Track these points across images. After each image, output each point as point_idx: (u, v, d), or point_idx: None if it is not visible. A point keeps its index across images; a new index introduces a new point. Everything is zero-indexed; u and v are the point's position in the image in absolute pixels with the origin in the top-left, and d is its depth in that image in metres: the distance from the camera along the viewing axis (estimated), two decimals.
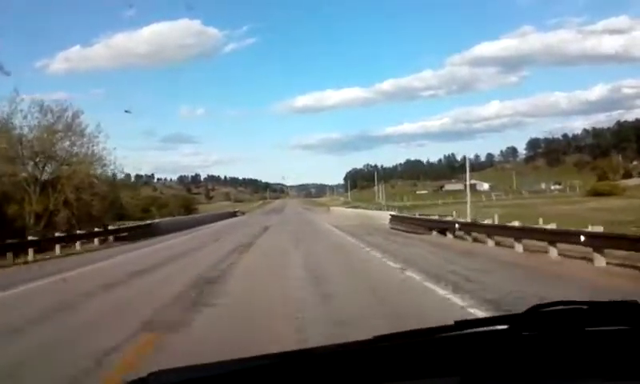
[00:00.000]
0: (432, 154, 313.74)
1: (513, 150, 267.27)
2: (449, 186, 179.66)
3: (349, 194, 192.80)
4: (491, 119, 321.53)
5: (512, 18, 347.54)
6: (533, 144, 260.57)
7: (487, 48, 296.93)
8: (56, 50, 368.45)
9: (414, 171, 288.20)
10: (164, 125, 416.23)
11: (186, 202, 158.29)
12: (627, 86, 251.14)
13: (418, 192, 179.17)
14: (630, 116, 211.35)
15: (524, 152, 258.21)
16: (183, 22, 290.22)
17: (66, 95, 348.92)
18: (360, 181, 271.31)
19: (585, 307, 1.74)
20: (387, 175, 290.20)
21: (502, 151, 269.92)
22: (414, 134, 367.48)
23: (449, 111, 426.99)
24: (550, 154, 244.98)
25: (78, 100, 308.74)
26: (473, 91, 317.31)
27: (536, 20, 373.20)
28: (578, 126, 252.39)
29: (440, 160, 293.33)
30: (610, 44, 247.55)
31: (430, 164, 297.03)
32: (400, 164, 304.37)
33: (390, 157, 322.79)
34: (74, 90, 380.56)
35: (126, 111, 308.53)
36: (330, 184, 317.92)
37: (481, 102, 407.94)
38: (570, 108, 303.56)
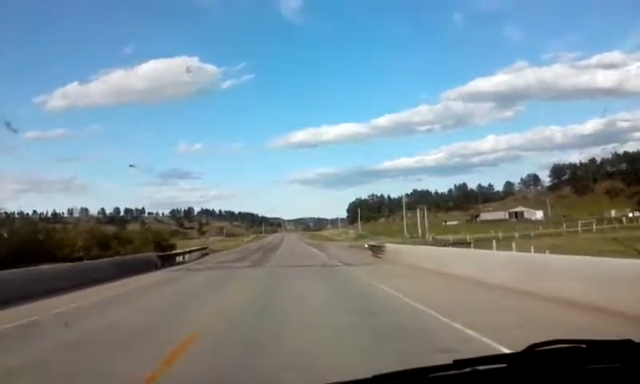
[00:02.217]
0: (430, 187, 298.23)
1: (534, 178, 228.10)
2: (486, 215, 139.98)
3: (359, 225, 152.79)
4: (487, 153, 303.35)
5: (507, 54, 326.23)
6: (556, 171, 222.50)
7: (482, 83, 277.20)
8: (54, 87, 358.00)
9: (421, 202, 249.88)
10: (162, 160, 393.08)
11: (158, 237, 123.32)
12: (621, 120, 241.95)
13: (448, 223, 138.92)
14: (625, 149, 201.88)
15: (547, 179, 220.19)
16: (181, 59, 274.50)
17: (65, 131, 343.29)
18: (364, 212, 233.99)
19: (582, 346, 1.73)
20: (394, 206, 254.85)
21: (522, 179, 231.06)
22: (411, 169, 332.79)
23: (445, 146, 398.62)
24: (579, 181, 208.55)
25: (76, 136, 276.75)
26: (469, 126, 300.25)
27: (530, 55, 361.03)
28: (573, 159, 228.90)
29: (450, 190, 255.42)
30: (603, 78, 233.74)
31: (438, 194, 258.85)
32: (406, 194, 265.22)
33: (387, 191, 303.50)
34: (73, 126, 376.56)
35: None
36: (327, 217, 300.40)
37: (477, 136, 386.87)
38: (566, 142, 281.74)
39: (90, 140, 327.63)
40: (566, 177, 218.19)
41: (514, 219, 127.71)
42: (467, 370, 1.68)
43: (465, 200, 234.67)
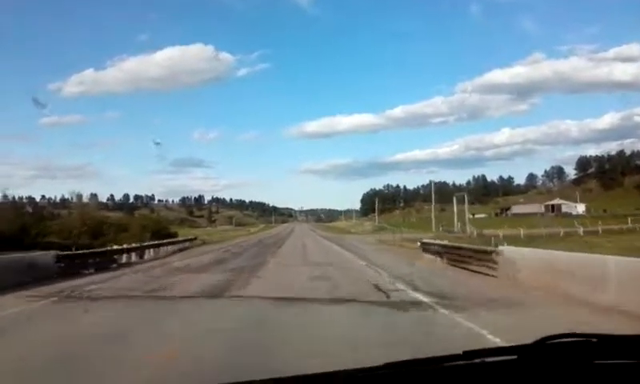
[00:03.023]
0: (444, 180, 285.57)
1: (559, 171, 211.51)
2: (517, 208, 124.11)
3: (376, 217, 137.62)
4: (501, 146, 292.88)
5: (523, 46, 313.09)
6: (582, 164, 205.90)
7: (498, 75, 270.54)
8: (70, 73, 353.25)
9: (439, 194, 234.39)
10: (176, 148, 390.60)
11: (158, 225, 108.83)
12: (639, 114, 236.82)
13: (476, 216, 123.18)
14: None
15: (573, 172, 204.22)
16: (196, 47, 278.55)
17: (80, 117, 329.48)
18: (379, 203, 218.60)
19: (593, 340, 1.70)
20: (409, 197, 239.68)
21: (546, 171, 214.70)
22: (424, 161, 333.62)
23: (459, 138, 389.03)
24: (606, 174, 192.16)
25: (91, 123, 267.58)
26: (483, 118, 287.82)
27: (547, 47, 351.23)
28: (588, 154, 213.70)
29: (469, 182, 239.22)
30: (621, 71, 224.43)
31: (456, 186, 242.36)
32: (423, 186, 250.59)
33: (401, 182, 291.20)
34: (88, 112, 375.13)
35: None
36: (338, 209, 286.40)
37: (491, 129, 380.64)
38: (581, 136, 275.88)
39: (105, 127, 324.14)
40: (592, 170, 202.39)
41: (550, 213, 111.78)
42: (477, 360, 1.65)
43: (485, 193, 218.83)
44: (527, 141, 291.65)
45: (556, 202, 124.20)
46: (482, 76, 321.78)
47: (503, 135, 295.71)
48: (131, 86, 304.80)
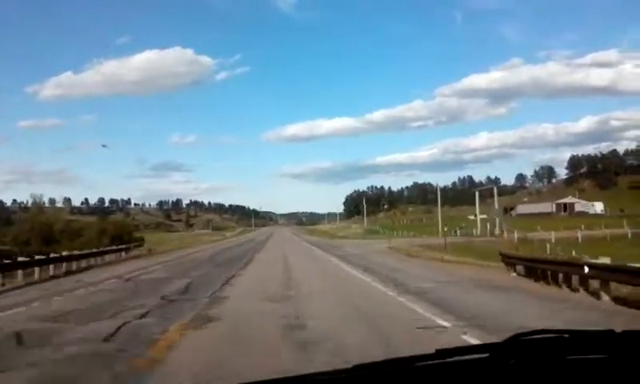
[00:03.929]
0: (424, 182, 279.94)
1: (549, 171, 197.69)
2: (523, 208, 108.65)
3: (364, 219, 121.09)
4: (480, 150, 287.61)
5: (501, 51, 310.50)
6: (574, 163, 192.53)
7: (476, 80, 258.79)
8: (47, 76, 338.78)
9: (423, 196, 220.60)
10: (155, 152, 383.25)
11: (120, 230, 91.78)
12: (615, 119, 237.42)
13: (470, 217, 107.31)
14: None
15: (564, 172, 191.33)
16: (176, 51, 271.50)
17: (58, 121, 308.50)
18: (363, 205, 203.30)
19: (565, 336, 1.68)
20: (394, 199, 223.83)
21: (535, 171, 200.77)
22: (404, 164, 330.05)
23: (438, 142, 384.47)
24: (601, 174, 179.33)
25: (69, 126, 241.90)
26: (462, 122, 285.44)
27: (525, 53, 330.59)
28: (565, 157, 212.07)
29: (454, 183, 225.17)
30: (598, 77, 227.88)
31: (440, 188, 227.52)
32: (407, 187, 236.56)
33: (382, 185, 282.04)
34: (66, 116, 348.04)
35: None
36: (319, 212, 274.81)
37: (470, 133, 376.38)
38: (558, 140, 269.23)
39: (83, 130, 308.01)
40: (583, 170, 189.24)
41: (563, 213, 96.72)
42: (449, 359, 1.60)
43: (472, 194, 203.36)
44: (505, 144, 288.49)
45: (568, 200, 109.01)
46: (461, 80, 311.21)
47: (482, 139, 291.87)
48: (110, 89, 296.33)
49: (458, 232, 59.60)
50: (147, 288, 15.22)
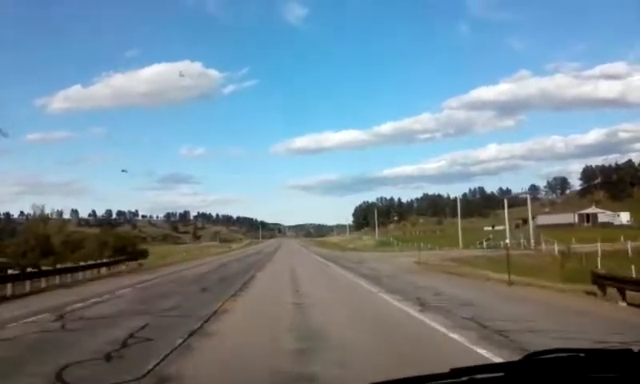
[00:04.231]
0: (432, 194, 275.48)
1: (562, 182, 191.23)
2: (543, 219, 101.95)
3: (376, 230, 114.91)
4: (488, 162, 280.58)
5: (509, 63, 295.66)
6: (588, 174, 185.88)
7: (484, 92, 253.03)
8: (56, 89, 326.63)
9: (433, 207, 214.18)
10: (163, 164, 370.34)
11: (122, 242, 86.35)
12: (623, 130, 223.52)
13: (485, 228, 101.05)
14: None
15: (577, 183, 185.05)
16: (184, 64, 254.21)
17: (67, 134, 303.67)
18: (373, 216, 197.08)
19: (581, 355, 1.65)
20: (404, 211, 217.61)
21: (548, 182, 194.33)
22: (411, 176, 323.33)
23: (446, 154, 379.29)
24: (616, 185, 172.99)
25: (78, 139, 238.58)
26: (470, 134, 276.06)
27: (533, 65, 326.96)
28: (574, 169, 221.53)
29: (465, 194, 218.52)
30: (606, 89, 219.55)
31: (451, 199, 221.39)
32: (417, 199, 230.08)
33: (391, 197, 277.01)
34: (75, 128, 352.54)
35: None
36: (327, 224, 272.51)
37: (478, 145, 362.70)
38: (567, 152, 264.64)
39: (92, 143, 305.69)
40: (597, 181, 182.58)
41: (586, 223, 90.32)
42: (464, 378, 1.60)
43: (485, 205, 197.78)
44: (513, 156, 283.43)
45: (591, 210, 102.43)
46: (469, 93, 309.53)
47: (490, 151, 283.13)
48: (118, 102, 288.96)
49: (485, 244, 53.40)
50: (63, 341, 9.35)
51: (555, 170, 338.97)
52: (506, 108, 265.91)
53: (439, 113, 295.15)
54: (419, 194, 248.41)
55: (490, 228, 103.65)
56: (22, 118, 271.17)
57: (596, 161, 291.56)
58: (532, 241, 49.86)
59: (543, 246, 42.35)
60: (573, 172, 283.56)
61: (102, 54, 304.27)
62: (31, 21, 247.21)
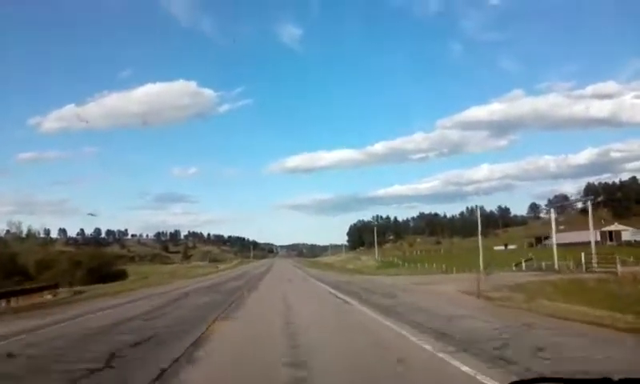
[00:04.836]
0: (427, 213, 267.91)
1: (563, 200, 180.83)
2: (560, 237, 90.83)
3: (375, 250, 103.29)
4: (481, 182, 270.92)
5: (502, 83, 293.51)
6: (590, 191, 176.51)
7: (477, 112, 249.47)
8: (50, 109, 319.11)
9: (430, 226, 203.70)
10: (156, 184, 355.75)
11: (96, 261, 76.23)
12: (615, 150, 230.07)
13: (496, 248, 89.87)
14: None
15: (578, 200, 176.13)
16: (179, 84, 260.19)
17: (60, 153, 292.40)
18: (368, 235, 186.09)
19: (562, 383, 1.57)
20: (400, 230, 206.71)
21: (549, 200, 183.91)
22: (405, 196, 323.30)
23: (439, 174, 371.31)
24: (620, 202, 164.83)
25: (71, 158, 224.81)
26: (463, 154, 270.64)
27: (526, 85, 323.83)
28: (566, 189, 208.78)
29: (462, 213, 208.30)
30: (598, 108, 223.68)
31: (448, 218, 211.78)
32: (413, 218, 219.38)
33: (385, 216, 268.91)
34: (68, 148, 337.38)
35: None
36: (320, 244, 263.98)
37: (471, 164, 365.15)
38: (559, 171, 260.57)
39: (85, 162, 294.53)
40: (601, 198, 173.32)
41: (609, 242, 79.80)
42: None
43: (484, 224, 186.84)
44: (506, 176, 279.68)
45: (614, 227, 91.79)
46: (462, 112, 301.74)
47: (483, 171, 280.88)
48: (112, 121, 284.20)
49: (524, 265, 42.18)
50: None
51: (547, 189, 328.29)
52: (499, 127, 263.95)
53: (432, 132, 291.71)
54: (413, 214, 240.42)
55: (503, 247, 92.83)
56: (15, 138, 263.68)
57: (588, 181, 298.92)
58: (594, 262, 38.67)
59: (619, 268, 31.20)
60: (566, 192, 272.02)
61: (96, 74, 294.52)
62: (26, 40, 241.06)
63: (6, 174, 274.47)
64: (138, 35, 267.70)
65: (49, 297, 25.93)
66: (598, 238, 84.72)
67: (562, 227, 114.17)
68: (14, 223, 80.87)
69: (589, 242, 75.04)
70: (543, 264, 44.58)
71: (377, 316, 13.68)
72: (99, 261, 78.08)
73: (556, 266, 42.01)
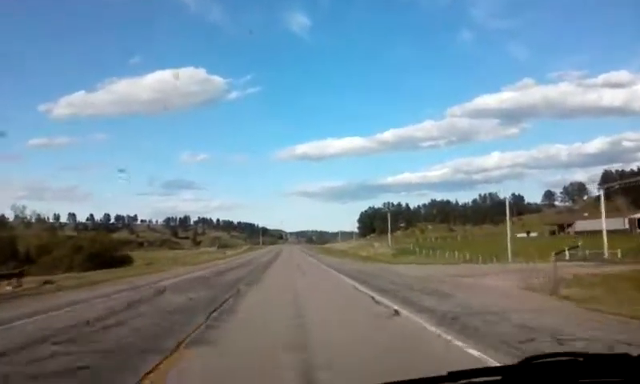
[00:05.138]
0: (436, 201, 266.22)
1: (579, 187, 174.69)
2: (582, 225, 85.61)
3: (389, 237, 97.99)
4: (491, 170, 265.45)
5: (513, 71, 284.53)
6: (607, 179, 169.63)
7: (488, 100, 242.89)
8: (60, 95, 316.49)
9: (442, 214, 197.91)
10: (166, 171, 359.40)
11: (99, 247, 70.75)
12: (627, 139, 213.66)
13: (519, 235, 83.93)
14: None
15: (596, 189, 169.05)
16: (188, 70, 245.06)
17: (70, 139, 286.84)
18: (378, 223, 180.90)
19: (579, 359, 1.59)
20: (411, 216, 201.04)
21: (565, 188, 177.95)
22: (414, 184, 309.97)
23: (449, 161, 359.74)
24: (637, 190, 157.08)
25: (82, 145, 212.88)
26: (473, 142, 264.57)
27: (537, 73, 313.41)
28: (577, 178, 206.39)
29: (475, 200, 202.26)
30: (610, 97, 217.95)
31: (460, 205, 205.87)
32: (424, 205, 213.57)
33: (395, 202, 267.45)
34: (77, 134, 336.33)
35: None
36: (329, 231, 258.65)
37: (481, 153, 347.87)
38: (570, 160, 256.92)
39: (95, 149, 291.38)
40: (616, 186, 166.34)
41: (638, 229, 74.20)
42: (462, 381, 1.54)
43: (496, 212, 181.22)
44: (516, 164, 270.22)
45: None
46: (473, 100, 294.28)
47: (493, 159, 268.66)
48: (122, 108, 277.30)
49: (567, 254, 36.66)
50: None
51: (558, 178, 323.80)
52: (509, 116, 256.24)
53: (443, 120, 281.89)
54: (423, 201, 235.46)
55: (525, 234, 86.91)
56: (26, 124, 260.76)
57: (599, 170, 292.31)
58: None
59: None
60: (578, 180, 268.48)
61: (106, 60, 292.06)
62: (35, 27, 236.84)
63: (17, 159, 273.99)
64: (148, 22, 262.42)
65: (8, 288, 20.90)
66: (627, 226, 79.27)
67: (585, 214, 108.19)
68: (18, 207, 76.69)
69: (614, 230, 69.66)
70: (587, 252, 38.94)
71: (461, 343, 8.17)
72: (101, 246, 73.82)
73: (606, 255, 36.54)
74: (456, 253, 57.25)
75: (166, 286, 21.41)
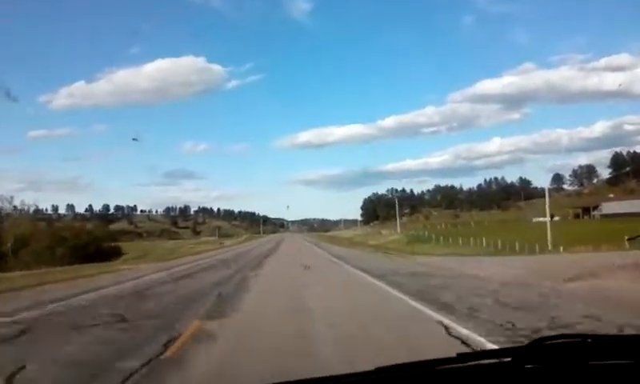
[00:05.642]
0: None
1: (588, 170, 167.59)
2: (609, 207, 77.83)
3: (397, 223, 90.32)
4: (492, 156, 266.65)
5: (514, 56, 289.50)
6: (618, 161, 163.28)
7: (489, 85, 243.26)
8: (60, 85, 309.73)
9: (447, 199, 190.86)
10: (166, 160, 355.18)
11: (84, 238, 67.78)
12: (629, 123, 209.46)
13: (535, 219, 76.45)
14: None
15: (607, 172, 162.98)
16: (188, 59, 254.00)
17: (70, 130, 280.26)
18: (382, 209, 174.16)
19: (589, 340, 1.57)
20: (415, 202, 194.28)
21: (574, 171, 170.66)
22: (416, 170, 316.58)
23: (450, 147, 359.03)
24: None
25: (82, 135, 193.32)
26: (474, 128, 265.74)
27: (538, 57, 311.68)
28: (580, 162, 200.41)
29: (480, 185, 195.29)
30: (611, 81, 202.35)
31: (465, 190, 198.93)
32: (428, 191, 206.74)
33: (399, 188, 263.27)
34: (78, 124, 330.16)
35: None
36: (331, 218, 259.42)
37: (482, 138, 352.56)
38: (572, 145, 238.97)
39: (95, 139, 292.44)
40: (628, 169, 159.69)
41: None
42: (471, 363, 1.51)
43: (502, 197, 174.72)
44: (518, 149, 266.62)
45: None
46: (474, 85, 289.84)
47: (494, 144, 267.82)
48: (122, 98, 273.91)
49: (626, 243, 28.99)
50: None
51: (560, 163, 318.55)
52: (510, 101, 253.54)
53: (444, 106, 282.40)
54: (425, 188, 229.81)
55: (543, 219, 79.08)
56: (26, 115, 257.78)
57: (601, 154, 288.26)
58: None
59: None
60: (582, 164, 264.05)
61: (105, 50, 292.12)
62: (35, 18, 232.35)
63: (17, 151, 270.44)
64: (147, 11, 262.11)
65: None
66: None
67: (611, 196, 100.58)
68: (6, 198, 69.25)
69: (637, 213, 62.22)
70: None
71: None
72: (86, 238, 66.50)
73: None
74: (478, 240, 49.69)
75: (143, 285, 13.59)
